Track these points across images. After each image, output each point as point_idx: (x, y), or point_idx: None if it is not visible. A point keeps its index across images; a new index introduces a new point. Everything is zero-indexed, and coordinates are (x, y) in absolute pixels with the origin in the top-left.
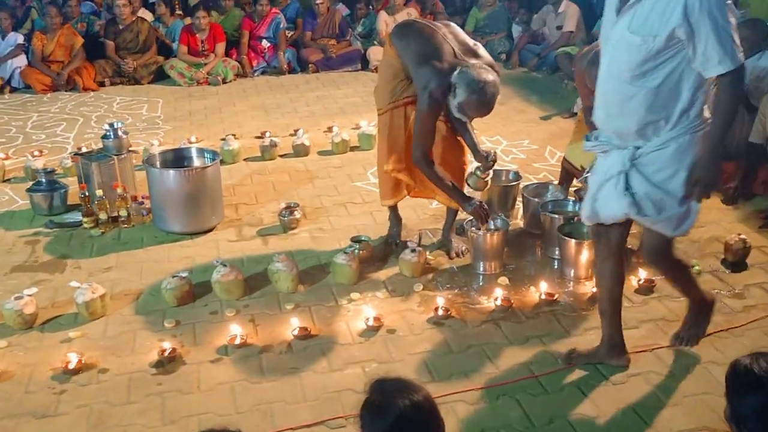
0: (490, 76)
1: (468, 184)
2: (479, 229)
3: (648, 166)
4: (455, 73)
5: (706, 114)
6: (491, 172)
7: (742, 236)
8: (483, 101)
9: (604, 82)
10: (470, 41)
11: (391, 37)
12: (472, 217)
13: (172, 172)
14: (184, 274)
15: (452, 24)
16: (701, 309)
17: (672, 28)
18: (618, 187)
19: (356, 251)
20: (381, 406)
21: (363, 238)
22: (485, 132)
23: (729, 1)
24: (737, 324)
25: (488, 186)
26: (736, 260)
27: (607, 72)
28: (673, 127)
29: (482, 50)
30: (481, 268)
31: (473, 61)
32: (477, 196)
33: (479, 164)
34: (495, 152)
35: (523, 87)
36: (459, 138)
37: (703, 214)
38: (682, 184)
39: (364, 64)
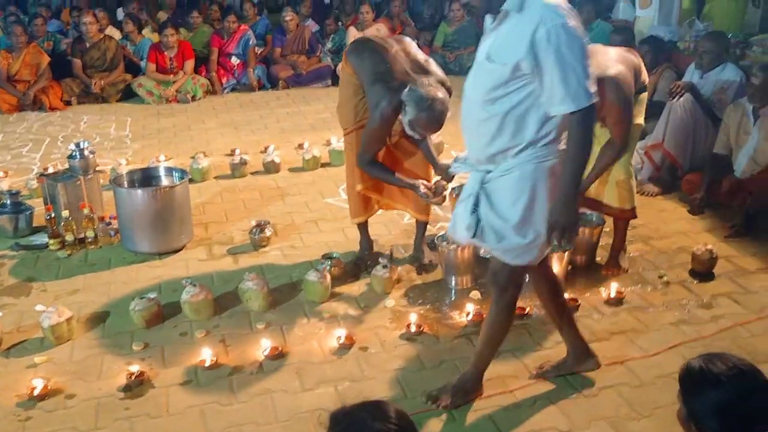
0: (438, 93)
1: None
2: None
3: (494, 192)
4: (405, 91)
5: (561, 146)
6: (449, 185)
7: (709, 246)
8: (432, 118)
9: (464, 103)
10: (422, 57)
11: (347, 54)
12: (442, 232)
13: (139, 191)
14: (153, 296)
15: (405, 40)
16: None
17: (517, 59)
18: (466, 209)
19: (328, 268)
20: (350, 430)
21: (334, 255)
22: (455, 146)
23: (586, 39)
24: (706, 334)
25: (446, 200)
26: (704, 270)
27: (467, 93)
28: (518, 155)
29: (433, 66)
30: (453, 283)
31: (423, 78)
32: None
33: (439, 178)
34: (447, 171)
35: None
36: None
37: (670, 225)
38: (521, 214)
39: (335, 80)
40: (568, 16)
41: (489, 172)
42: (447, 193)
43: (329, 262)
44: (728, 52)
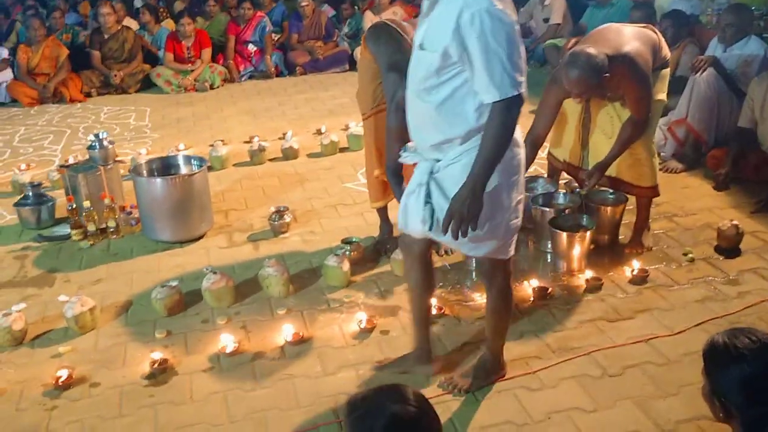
0: None
1: None
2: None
3: (444, 181)
4: None
5: None
6: None
7: (735, 222)
8: None
9: (407, 93)
10: None
11: (365, 39)
12: None
13: (158, 180)
14: (174, 283)
15: None
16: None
17: (444, 45)
18: (418, 201)
19: (347, 253)
20: (368, 415)
21: (354, 240)
22: None
23: (518, 25)
24: (732, 311)
25: None
26: (730, 246)
27: (408, 81)
28: (464, 142)
29: None
30: (473, 264)
31: None
32: None
33: None
34: None
35: None
36: None
37: (694, 202)
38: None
39: (352, 64)
40: (496, 0)
41: (438, 161)
42: None
43: (348, 247)
44: (752, 25)
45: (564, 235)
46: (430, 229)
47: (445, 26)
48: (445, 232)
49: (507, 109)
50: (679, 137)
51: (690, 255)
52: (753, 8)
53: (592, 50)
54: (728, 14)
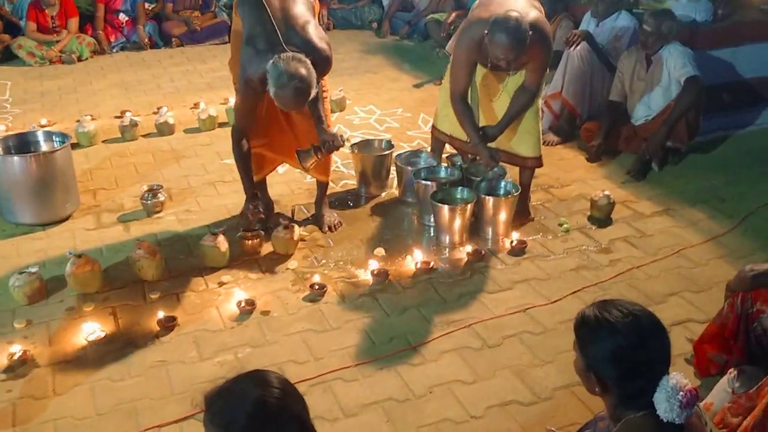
0: (301, 71)
1: (297, 156)
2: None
3: None
4: (269, 63)
5: None
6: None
7: (606, 192)
8: (287, 97)
9: None
10: (302, 18)
11: (236, 5)
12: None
13: (15, 158)
14: (34, 269)
15: None
16: None
17: None
18: None
19: (225, 232)
20: (228, 405)
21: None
22: (358, 102)
23: None
24: (605, 278)
25: (314, 164)
26: (602, 216)
27: None
28: None
29: (311, 32)
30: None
31: (291, 49)
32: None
33: (319, 145)
34: (333, 143)
35: (395, 55)
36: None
37: (569, 173)
38: None
39: None
40: None
41: None
42: (315, 161)
43: (226, 226)
44: (622, 1)
45: (445, 208)
46: None
47: None
48: None
49: None
50: (555, 110)
51: (565, 225)
52: None
53: (516, 14)
54: None
